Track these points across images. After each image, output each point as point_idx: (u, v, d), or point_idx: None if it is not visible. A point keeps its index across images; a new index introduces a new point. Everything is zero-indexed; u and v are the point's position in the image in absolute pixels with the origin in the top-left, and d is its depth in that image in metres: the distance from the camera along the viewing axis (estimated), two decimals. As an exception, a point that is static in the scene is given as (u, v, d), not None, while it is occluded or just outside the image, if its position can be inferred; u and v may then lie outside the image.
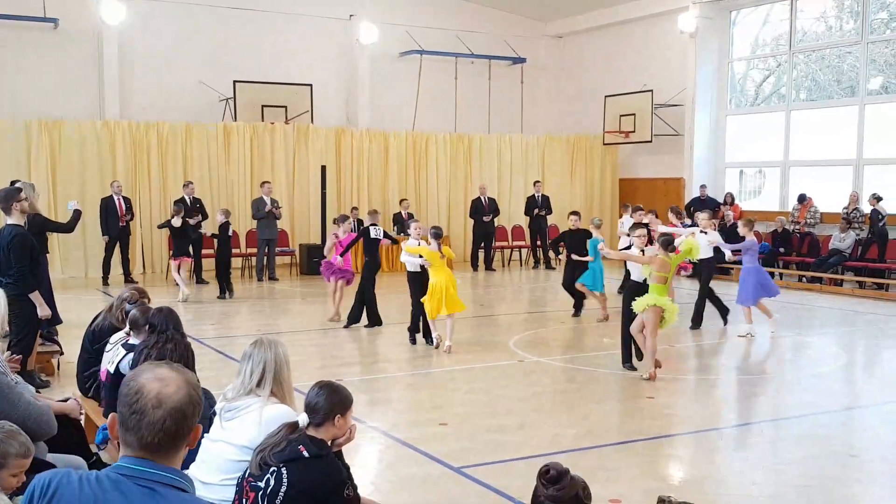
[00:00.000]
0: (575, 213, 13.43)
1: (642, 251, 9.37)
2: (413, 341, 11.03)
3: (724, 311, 12.42)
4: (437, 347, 10.63)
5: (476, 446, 6.79)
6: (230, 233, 15.47)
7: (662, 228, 12.13)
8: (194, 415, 2.20)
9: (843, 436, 7.38)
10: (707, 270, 12.28)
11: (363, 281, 12.17)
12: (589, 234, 12.78)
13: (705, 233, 12.19)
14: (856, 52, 19.39)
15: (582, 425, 7.42)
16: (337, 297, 12.74)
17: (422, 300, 10.58)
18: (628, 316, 9.15)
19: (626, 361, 9.54)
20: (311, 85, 20.52)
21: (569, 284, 13.11)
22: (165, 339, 5.45)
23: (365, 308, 12.17)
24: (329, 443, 3.82)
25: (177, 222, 15.02)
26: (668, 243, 8.95)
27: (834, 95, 20.22)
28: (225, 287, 15.04)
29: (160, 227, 16.52)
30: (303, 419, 3.80)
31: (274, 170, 19.95)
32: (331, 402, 3.81)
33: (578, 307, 13.29)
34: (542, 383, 9.10)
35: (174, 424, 2.15)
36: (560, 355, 10.49)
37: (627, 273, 11.32)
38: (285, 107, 20.24)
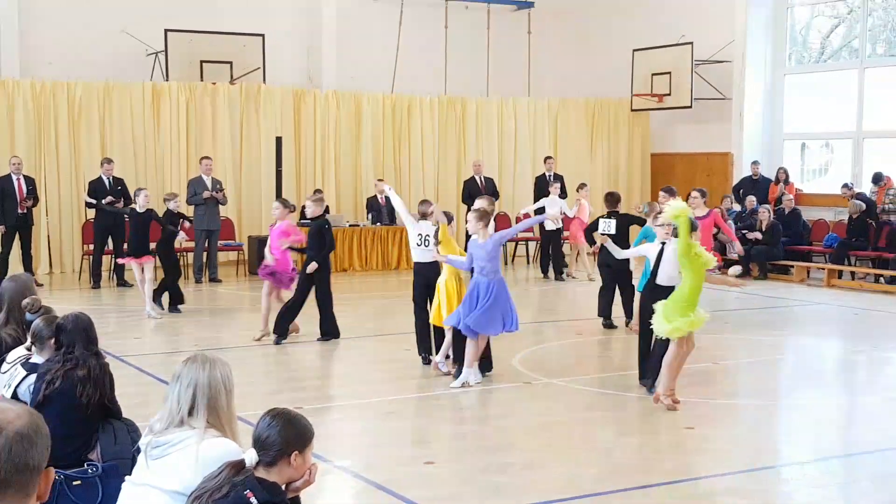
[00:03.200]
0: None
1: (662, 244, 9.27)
2: (427, 362, 10.71)
3: None
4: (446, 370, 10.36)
5: (470, 490, 6.77)
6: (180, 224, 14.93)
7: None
8: (43, 447, 2.30)
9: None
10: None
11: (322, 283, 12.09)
12: (638, 221, 12.54)
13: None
14: (947, -5, 19.44)
15: (604, 464, 7.42)
16: (266, 304, 12.47)
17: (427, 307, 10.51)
18: (648, 325, 9.06)
19: (644, 377, 9.56)
20: (262, 35, 20.38)
21: (607, 313, 12.92)
22: (74, 361, 5.40)
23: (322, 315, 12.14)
24: (283, 487, 3.80)
25: (141, 206, 14.25)
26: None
27: (920, 49, 20.27)
28: (174, 294, 14.54)
29: (125, 214, 15.68)
30: (250, 457, 3.78)
31: (216, 142, 19.88)
32: (286, 434, 3.79)
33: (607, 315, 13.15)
34: (555, 411, 9.09)
35: (22, 453, 2.24)
36: (576, 376, 10.48)
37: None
38: (230, 62, 20.11)
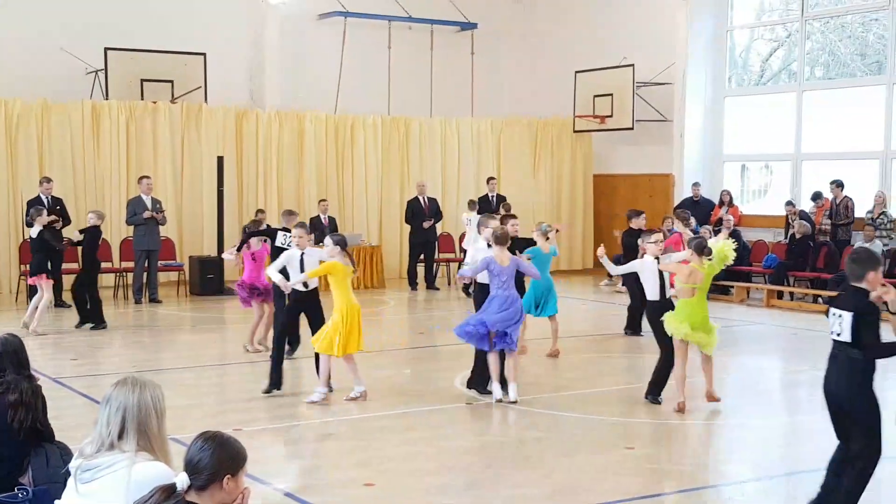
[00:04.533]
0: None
1: (657, 259, 9.93)
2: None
3: None
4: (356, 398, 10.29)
5: (411, 512, 6.72)
6: (99, 241, 15.23)
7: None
8: None
9: (882, 491, 7.47)
10: None
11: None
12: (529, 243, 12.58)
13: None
14: (883, 20, 19.86)
15: (546, 484, 7.41)
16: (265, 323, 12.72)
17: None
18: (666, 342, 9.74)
19: (651, 393, 9.95)
20: (204, 54, 20.35)
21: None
22: (5, 385, 5.32)
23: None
24: None
25: (35, 230, 14.52)
26: (701, 247, 9.44)
27: (857, 73, 20.67)
28: (93, 313, 14.64)
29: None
30: (182, 480, 3.73)
31: (157, 162, 19.72)
32: (218, 458, 3.75)
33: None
34: (497, 431, 9.07)
35: None
36: (518, 396, 10.47)
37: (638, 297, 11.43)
38: (171, 81, 20.03)
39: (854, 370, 6.00)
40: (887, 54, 19.59)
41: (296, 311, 10.79)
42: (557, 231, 13.42)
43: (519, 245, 12.21)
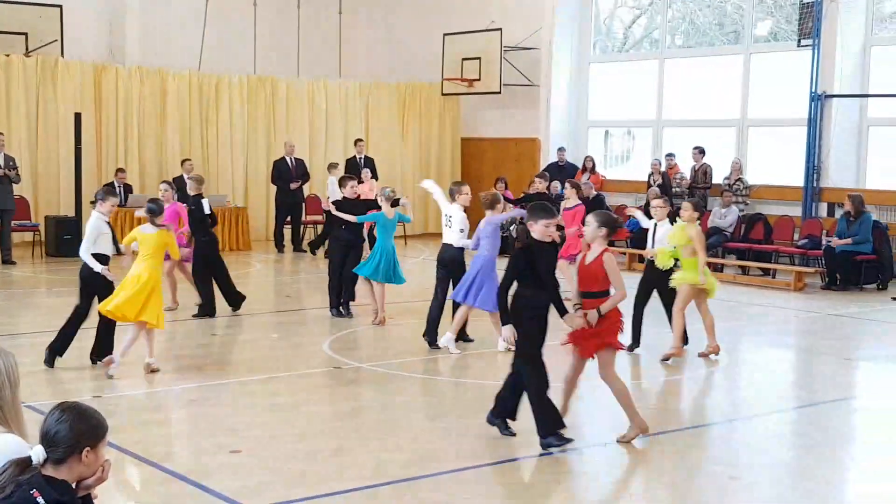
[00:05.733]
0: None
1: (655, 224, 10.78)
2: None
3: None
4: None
5: (278, 479, 6.66)
6: None
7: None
8: None
9: (723, 454, 7.71)
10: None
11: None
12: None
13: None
14: (741, -9, 20.37)
15: (411, 449, 7.41)
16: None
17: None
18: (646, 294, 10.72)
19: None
20: (60, 6, 19.77)
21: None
22: None
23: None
24: (74, 485, 3.66)
25: None
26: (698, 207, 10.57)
27: (715, 42, 21.20)
28: None
29: None
30: (37, 454, 3.62)
31: (10, 117, 19.04)
32: (76, 430, 3.64)
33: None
34: (364, 396, 9.06)
35: None
36: (388, 360, 10.47)
37: None
38: (25, 34, 19.46)
39: None
40: (744, 25, 20.14)
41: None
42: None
43: (360, 208, 12.29)
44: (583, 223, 8.77)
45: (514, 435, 7.49)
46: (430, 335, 10.87)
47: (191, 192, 12.88)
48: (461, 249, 10.93)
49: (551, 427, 7.25)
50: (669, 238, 10.34)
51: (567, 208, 13.86)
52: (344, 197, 12.72)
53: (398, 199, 12.55)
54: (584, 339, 7.33)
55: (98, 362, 9.59)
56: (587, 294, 7.34)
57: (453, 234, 10.94)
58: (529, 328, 7.31)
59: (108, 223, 9.66)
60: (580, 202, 13.97)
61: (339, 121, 22.91)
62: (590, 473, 7.20)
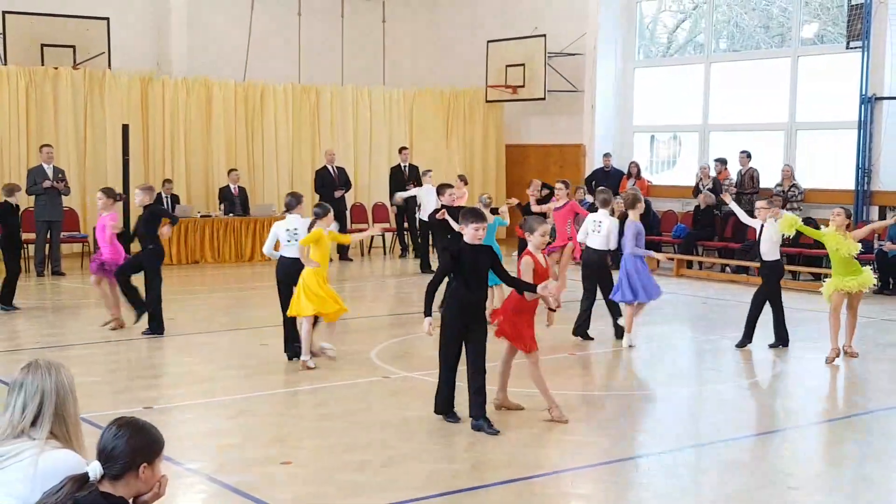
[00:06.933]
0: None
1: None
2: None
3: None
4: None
5: (329, 490, 6.64)
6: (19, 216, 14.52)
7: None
8: None
9: (781, 463, 7.58)
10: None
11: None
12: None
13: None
14: (787, -7, 20.14)
15: (464, 459, 7.37)
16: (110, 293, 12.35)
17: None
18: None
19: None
20: (107, 18, 19.94)
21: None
22: None
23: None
24: (131, 501, 3.66)
25: None
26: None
27: (761, 45, 20.98)
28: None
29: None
30: (94, 469, 3.61)
31: (58, 129, 19.23)
32: (133, 445, 3.64)
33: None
34: (414, 406, 9.00)
35: None
36: (435, 369, 10.39)
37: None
38: (73, 46, 19.61)
39: None
40: (790, 26, 19.92)
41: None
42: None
43: (455, 215, 12.26)
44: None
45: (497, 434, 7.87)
46: (580, 331, 11.91)
47: (142, 203, 12.03)
48: (606, 253, 11.89)
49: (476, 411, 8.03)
50: (838, 248, 10.80)
51: (557, 208, 14.06)
52: (442, 205, 12.86)
53: (494, 207, 12.81)
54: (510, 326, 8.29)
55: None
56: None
57: (600, 238, 11.68)
58: (451, 321, 8.18)
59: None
60: (569, 201, 14.22)
61: (383, 129, 22.94)
62: (644, 484, 7.11)
